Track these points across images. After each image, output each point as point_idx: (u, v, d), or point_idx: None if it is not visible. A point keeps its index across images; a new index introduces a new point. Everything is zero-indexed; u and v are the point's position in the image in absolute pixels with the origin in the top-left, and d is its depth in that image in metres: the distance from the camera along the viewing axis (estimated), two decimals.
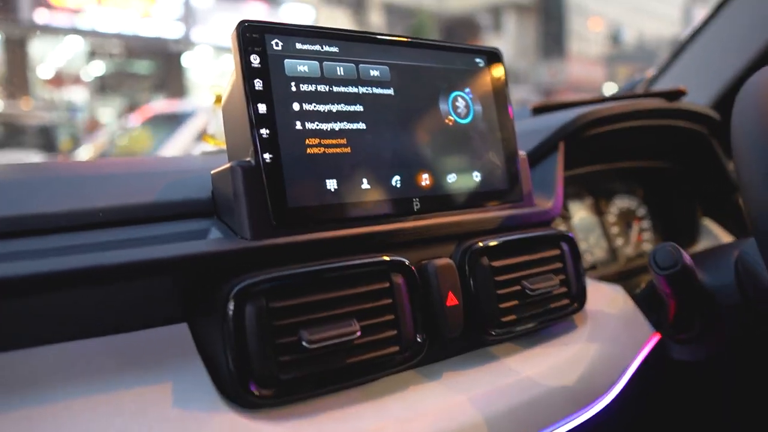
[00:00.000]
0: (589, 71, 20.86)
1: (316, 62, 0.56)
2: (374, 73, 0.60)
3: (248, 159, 0.52)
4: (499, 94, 0.70)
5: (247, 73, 0.52)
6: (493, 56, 0.70)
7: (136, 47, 11.79)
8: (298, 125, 0.54)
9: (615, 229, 1.13)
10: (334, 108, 0.57)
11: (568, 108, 0.96)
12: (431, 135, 0.63)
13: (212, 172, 0.56)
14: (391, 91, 0.61)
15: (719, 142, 1.11)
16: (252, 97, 0.52)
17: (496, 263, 0.64)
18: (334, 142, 0.56)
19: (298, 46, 0.56)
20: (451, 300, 0.60)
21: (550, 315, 0.68)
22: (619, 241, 1.13)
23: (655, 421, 0.81)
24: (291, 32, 0.55)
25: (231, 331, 0.47)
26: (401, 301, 0.56)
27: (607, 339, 0.72)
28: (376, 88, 0.60)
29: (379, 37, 0.62)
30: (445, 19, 20.59)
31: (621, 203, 1.16)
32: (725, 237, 1.20)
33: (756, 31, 1.23)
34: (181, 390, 0.47)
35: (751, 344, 0.81)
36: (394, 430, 0.51)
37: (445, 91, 0.65)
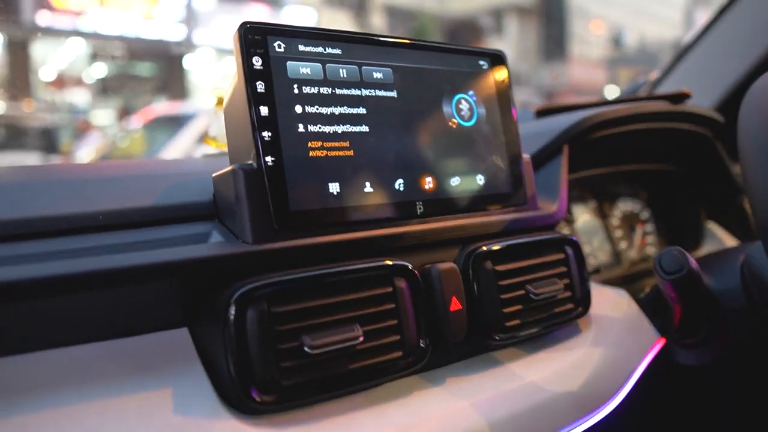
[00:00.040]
0: (591, 74, 20.87)
1: (319, 64, 0.56)
2: (377, 75, 0.59)
3: (250, 162, 0.52)
4: (503, 96, 0.69)
5: (249, 75, 0.51)
6: (497, 58, 0.70)
7: (138, 49, 11.81)
8: (301, 128, 0.53)
9: (619, 233, 1.13)
10: (337, 110, 0.56)
11: (571, 111, 0.96)
12: (435, 138, 0.62)
13: (214, 174, 0.56)
14: (394, 94, 0.60)
15: (723, 144, 1.10)
16: (254, 99, 0.51)
17: (500, 267, 0.64)
18: (336, 144, 0.55)
19: (301, 48, 0.55)
20: (455, 304, 0.59)
21: (555, 320, 0.68)
22: (623, 245, 1.12)
23: (660, 426, 0.81)
24: (293, 34, 0.55)
25: (232, 336, 0.47)
26: (404, 306, 0.55)
27: (611, 344, 0.71)
28: (380, 90, 0.59)
29: (382, 39, 0.61)
30: (446, 21, 20.62)
31: (624, 206, 1.16)
32: (729, 240, 1.19)
33: (759, 34, 1.23)
34: (181, 396, 0.47)
35: (757, 348, 0.80)
36: None
37: (448, 93, 0.64)
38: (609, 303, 0.79)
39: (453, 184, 0.63)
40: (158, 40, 11.77)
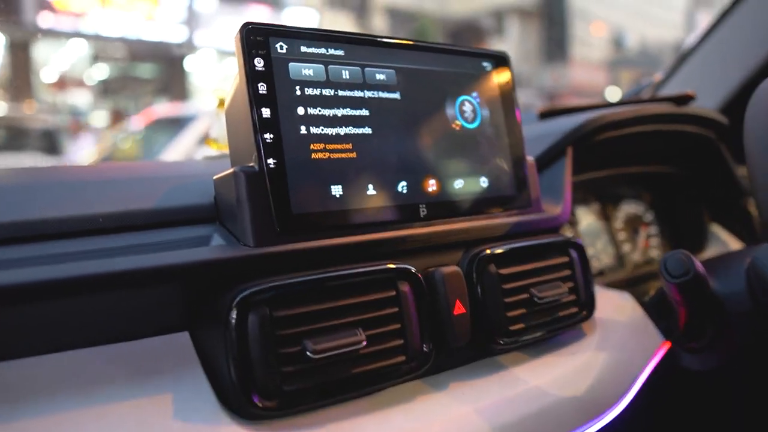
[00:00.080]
0: (592, 76, 20.89)
1: (322, 66, 0.55)
2: (380, 76, 0.59)
3: (251, 164, 0.51)
4: (507, 98, 0.69)
5: (251, 76, 0.51)
6: (501, 60, 0.69)
7: (140, 51, 11.84)
8: (303, 130, 0.53)
9: (622, 235, 1.12)
10: (340, 112, 0.55)
11: (575, 113, 0.95)
12: (438, 140, 0.61)
13: (215, 177, 0.55)
14: (397, 95, 0.59)
15: (727, 146, 1.10)
16: (255, 100, 0.51)
17: (504, 271, 0.63)
18: (339, 147, 0.55)
19: (303, 49, 0.55)
20: (459, 308, 0.59)
21: (559, 323, 0.67)
22: (627, 247, 1.12)
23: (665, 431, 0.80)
24: (296, 35, 0.54)
25: (233, 340, 0.46)
26: (408, 310, 0.55)
27: (616, 348, 0.71)
28: (382, 92, 0.59)
29: (385, 40, 0.61)
30: (447, 23, 20.65)
31: (628, 209, 1.15)
32: (733, 242, 1.18)
33: (763, 36, 1.23)
34: (182, 400, 0.46)
35: (764, 352, 0.79)
36: None
37: (452, 95, 0.64)
38: (613, 306, 0.79)
39: (456, 187, 0.62)
40: (159, 41, 11.79)
